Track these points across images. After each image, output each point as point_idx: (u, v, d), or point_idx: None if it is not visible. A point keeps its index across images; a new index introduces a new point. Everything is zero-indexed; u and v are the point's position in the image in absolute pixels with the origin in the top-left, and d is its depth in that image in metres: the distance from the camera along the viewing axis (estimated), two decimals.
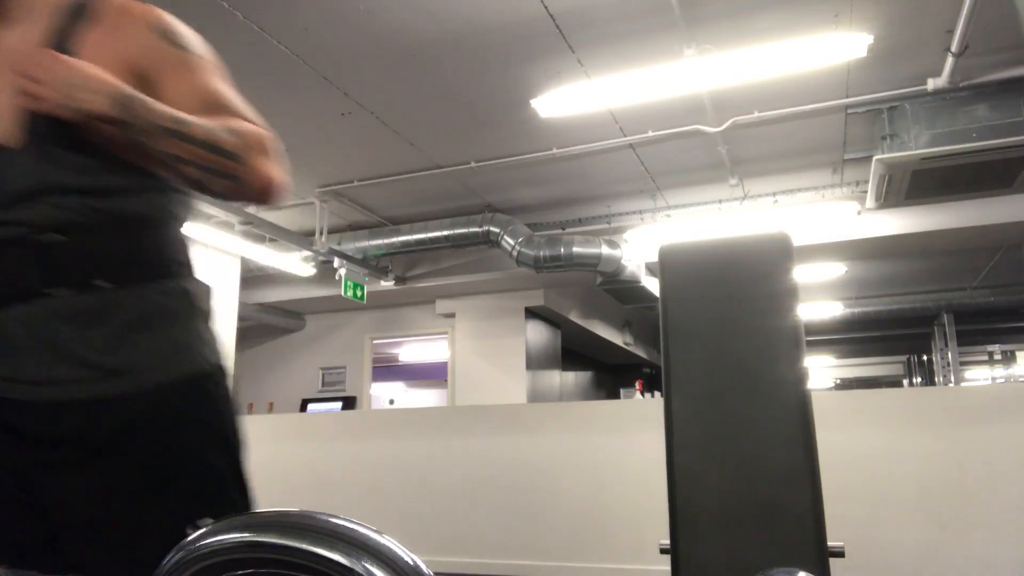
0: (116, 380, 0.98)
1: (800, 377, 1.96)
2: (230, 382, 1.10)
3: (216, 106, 1.04)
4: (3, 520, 0.98)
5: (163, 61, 1.03)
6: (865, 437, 3.90)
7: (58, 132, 0.96)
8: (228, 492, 1.06)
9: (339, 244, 6.01)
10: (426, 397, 12.38)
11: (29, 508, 0.98)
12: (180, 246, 1.09)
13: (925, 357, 11.56)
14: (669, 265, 2.19)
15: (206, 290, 1.09)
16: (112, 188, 1.00)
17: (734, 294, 2.12)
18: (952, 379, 9.62)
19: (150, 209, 1.04)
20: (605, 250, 5.62)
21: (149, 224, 1.05)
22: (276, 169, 1.05)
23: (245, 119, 1.05)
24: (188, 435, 1.02)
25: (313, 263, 6.08)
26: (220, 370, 1.08)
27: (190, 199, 1.11)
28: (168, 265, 1.06)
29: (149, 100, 0.95)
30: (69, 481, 0.97)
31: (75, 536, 0.99)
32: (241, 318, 5.90)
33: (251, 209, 5.23)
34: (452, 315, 7.42)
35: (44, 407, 0.96)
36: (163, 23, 1.05)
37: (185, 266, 1.09)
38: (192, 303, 1.06)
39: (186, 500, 1.00)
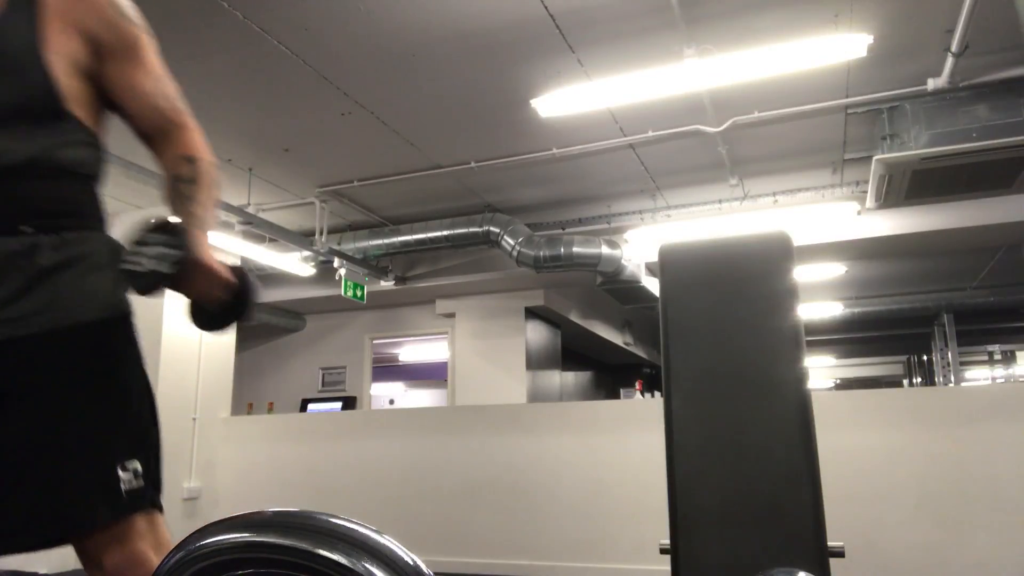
0: (30, 320, 1.02)
1: (800, 377, 1.96)
2: (137, 332, 1.17)
3: (164, 108, 1.20)
4: None
5: (118, 36, 1.15)
6: (865, 437, 3.90)
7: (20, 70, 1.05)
8: (149, 432, 1.14)
9: (339, 244, 6.02)
10: (426, 397, 12.38)
11: None
12: (99, 201, 1.17)
13: (925, 357, 11.55)
14: (669, 265, 2.19)
15: (119, 246, 1.14)
16: (41, 136, 1.07)
17: (734, 294, 2.12)
18: (952, 379, 9.62)
19: (77, 159, 1.11)
20: (605, 250, 5.62)
21: (78, 176, 1.12)
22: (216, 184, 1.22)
23: (187, 123, 1.21)
24: (105, 371, 1.09)
25: (313, 263, 6.08)
26: (132, 316, 1.15)
27: (106, 157, 1.20)
28: (90, 217, 1.14)
29: (206, 221, 1.15)
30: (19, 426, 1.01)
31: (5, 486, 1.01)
32: None
33: (251, 209, 5.24)
34: (452, 315, 7.42)
35: None
36: (114, 6, 1.16)
37: (102, 220, 1.17)
38: (113, 253, 1.12)
39: (108, 439, 1.06)
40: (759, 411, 1.98)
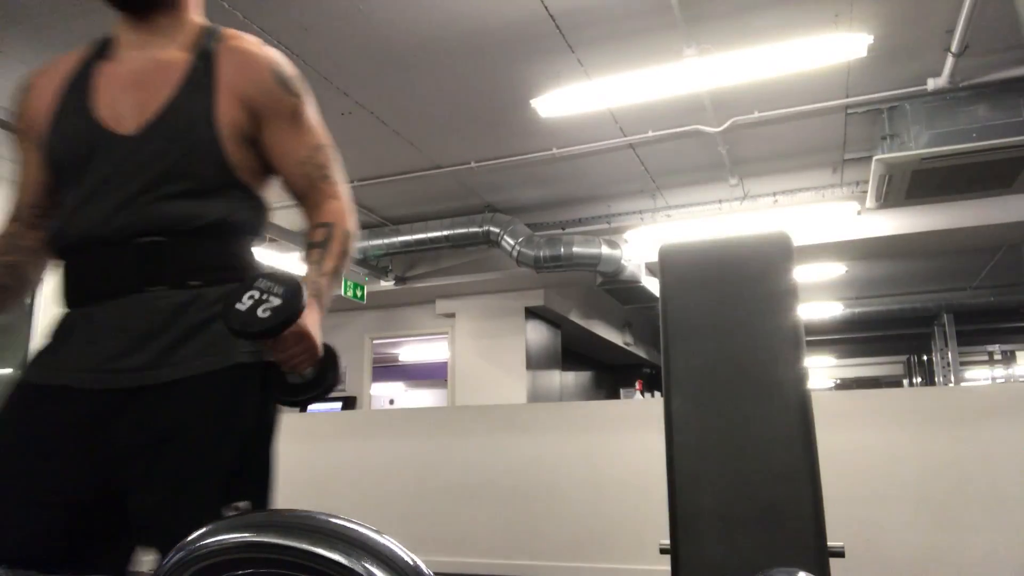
0: (189, 364, 1.10)
1: (800, 377, 1.96)
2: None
3: (314, 176, 1.24)
4: (69, 508, 1.06)
5: (277, 105, 1.21)
6: (865, 437, 3.90)
7: (182, 136, 1.14)
8: (269, 480, 1.18)
9: None
10: (426, 397, 12.38)
11: (104, 496, 1.07)
12: (252, 253, 1.24)
13: (925, 357, 11.56)
14: (669, 265, 2.19)
15: None
16: (213, 199, 1.16)
17: (734, 294, 2.12)
18: (952, 379, 9.62)
19: (243, 221, 1.20)
20: (605, 250, 5.62)
21: (239, 234, 1.20)
22: (355, 242, 1.27)
23: (332, 192, 1.25)
24: (237, 413, 1.14)
25: None
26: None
27: (268, 213, 1.27)
28: (247, 270, 1.20)
29: (324, 289, 1.19)
30: (139, 467, 1.07)
31: (143, 521, 1.07)
32: None
33: None
34: (452, 315, 7.42)
35: (121, 394, 1.08)
36: (281, 70, 1.23)
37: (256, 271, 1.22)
38: None
39: (232, 483, 1.10)
40: (759, 411, 1.98)
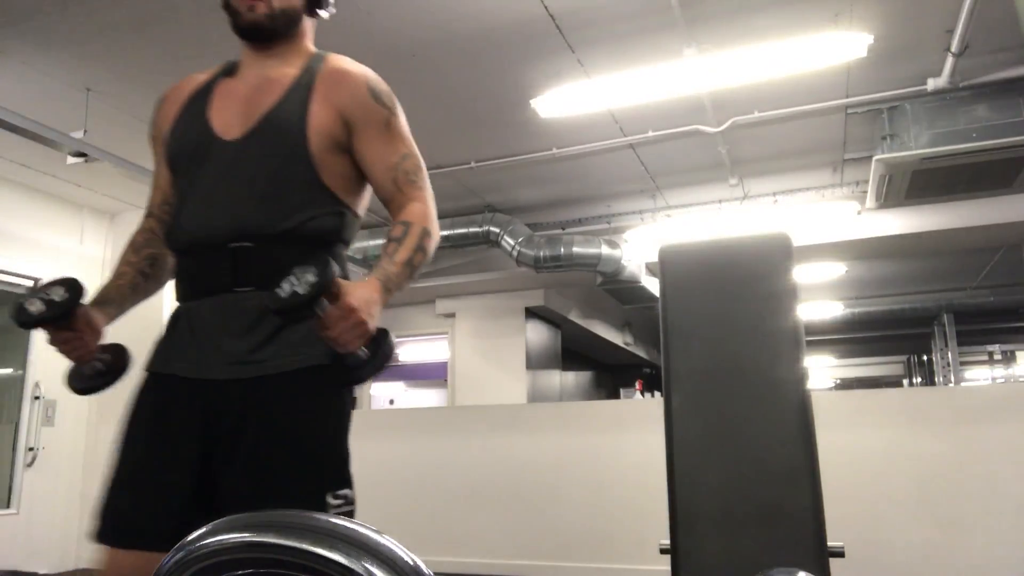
0: (273, 363, 1.20)
1: (800, 377, 1.96)
2: None
3: (400, 181, 1.33)
4: (178, 488, 1.17)
5: (370, 116, 1.32)
6: (865, 437, 3.90)
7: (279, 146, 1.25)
8: (347, 468, 1.23)
9: None
10: (426, 397, 12.37)
11: (203, 475, 1.17)
12: (344, 263, 1.32)
13: (925, 357, 11.56)
14: (669, 265, 2.19)
15: None
16: (300, 205, 1.25)
17: (734, 294, 2.12)
18: (952, 379, 9.62)
19: (326, 228, 1.28)
20: (605, 250, 5.62)
21: (324, 241, 1.28)
22: (434, 242, 1.33)
23: (417, 196, 1.33)
24: (326, 408, 1.23)
25: None
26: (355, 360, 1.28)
27: (357, 222, 1.37)
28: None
29: (392, 275, 1.23)
30: (231, 454, 1.17)
31: (232, 504, 1.13)
32: None
33: None
34: (452, 315, 7.42)
35: (223, 384, 1.19)
36: (376, 85, 1.36)
37: (345, 279, 1.30)
38: None
39: (322, 470, 1.19)
40: (759, 411, 1.98)
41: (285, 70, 1.34)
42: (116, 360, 1.30)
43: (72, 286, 1.19)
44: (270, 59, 1.36)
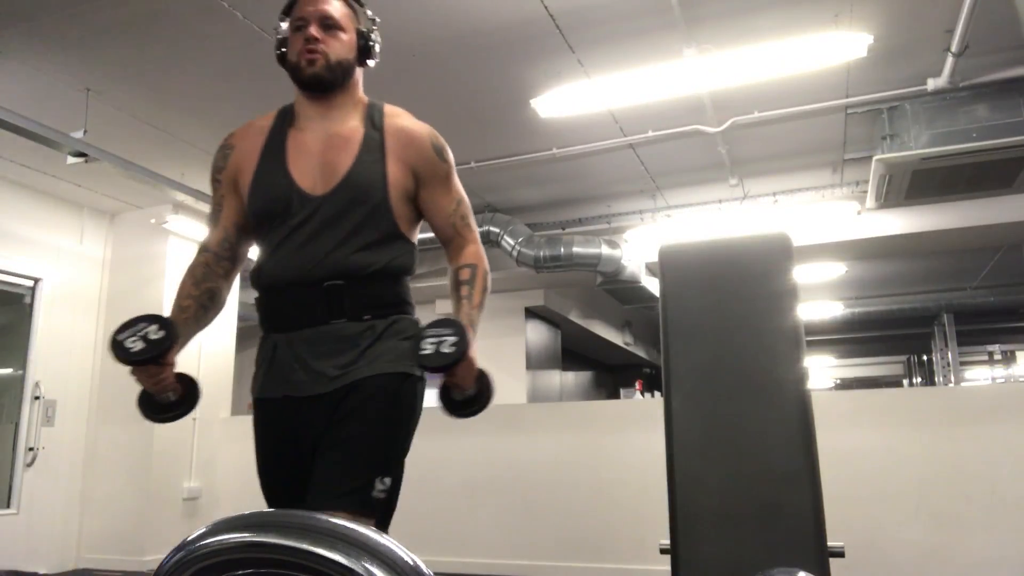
0: (357, 372, 1.42)
1: (800, 377, 1.96)
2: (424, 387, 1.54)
3: (458, 225, 1.57)
4: (301, 465, 1.41)
5: (434, 171, 1.55)
6: (865, 437, 3.90)
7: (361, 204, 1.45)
8: (401, 465, 1.45)
9: None
10: (426, 397, 12.36)
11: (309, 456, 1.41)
12: (409, 291, 1.55)
13: (925, 357, 11.56)
14: (669, 265, 2.19)
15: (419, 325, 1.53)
16: (382, 249, 1.47)
17: (734, 294, 2.12)
18: (952, 379, 9.62)
19: (402, 266, 1.51)
20: (605, 250, 5.62)
21: (400, 276, 1.52)
22: (490, 278, 1.60)
23: (472, 238, 1.58)
24: (386, 407, 1.44)
25: None
26: (423, 378, 1.52)
27: (417, 257, 1.57)
28: (405, 305, 1.53)
29: (475, 319, 1.53)
30: (323, 438, 1.40)
31: (328, 469, 1.38)
32: (241, 318, 5.89)
33: None
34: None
35: (320, 397, 1.41)
36: (438, 142, 1.59)
37: (412, 306, 1.55)
38: (417, 330, 1.47)
39: (380, 456, 1.41)
40: (759, 411, 1.98)
41: (349, 124, 1.53)
42: (187, 391, 1.41)
43: (166, 325, 1.32)
44: (331, 110, 1.53)
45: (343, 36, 1.55)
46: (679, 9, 3.18)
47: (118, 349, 1.27)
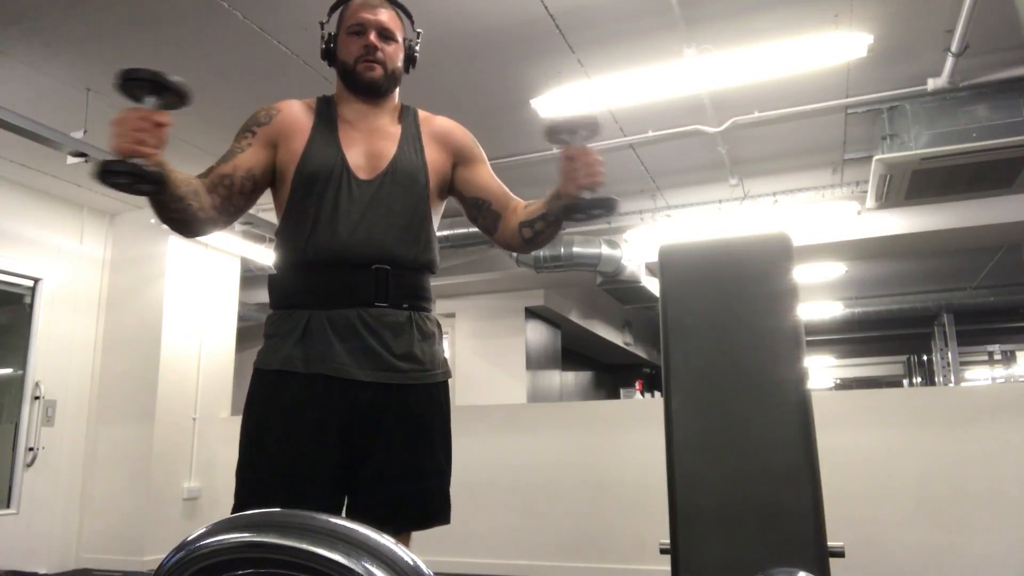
0: (416, 374, 1.49)
1: (800, 377, 1.96)
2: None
3: (509, 194, 1.65)
4: (330, 456, 1.42)
5: (475, 152, 1.67)
6: (865, 437, 3.90)
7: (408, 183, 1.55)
8: (449, 460, 1.55)
9: None
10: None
11: (345, 449, 1.43)
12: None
13: (925, 357, 11.55)
14: (669, 265, 2.19)
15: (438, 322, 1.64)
16: (420, 242, 1.54)
17: (734, 294, 2.12)
18: (952, 379, 9.62)
19: (435, 260, 1.59)
20: (605, 250, 5.62)
21: (433, 270, 1.60)
22: None
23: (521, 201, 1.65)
24: (443, 416, 1.55)
25: None
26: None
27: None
28: (431, 300, 1.61)
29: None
30: (377, 438, 1.45)
31: (375, 469, 1.44)
32: (241, 318, 5.89)
33: (251, 209, 5.23)
34: (452, 315, 7.42)
35: (372, 386, 1.44)
36: (470, 135, 1.69)
37: (432, 302, 1.62)
38: (439, 330, 1.62)
39: (439, 457, 1.51)
40: (759, 411, 1.98)
41: (387, 120, 1.62)
42: (156, 177, 1.25)
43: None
44: (374, 109, 1.61)
45: (396, 45, 1.63)
46: (679, 9, 3.18)
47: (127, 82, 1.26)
